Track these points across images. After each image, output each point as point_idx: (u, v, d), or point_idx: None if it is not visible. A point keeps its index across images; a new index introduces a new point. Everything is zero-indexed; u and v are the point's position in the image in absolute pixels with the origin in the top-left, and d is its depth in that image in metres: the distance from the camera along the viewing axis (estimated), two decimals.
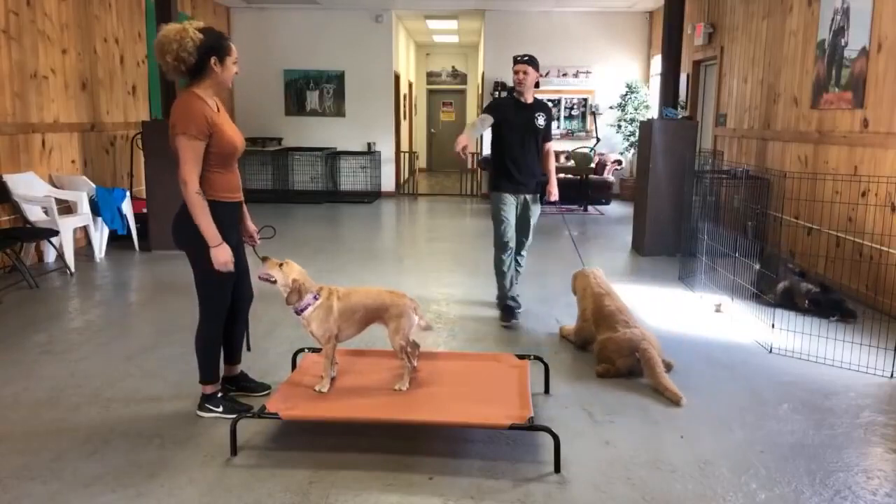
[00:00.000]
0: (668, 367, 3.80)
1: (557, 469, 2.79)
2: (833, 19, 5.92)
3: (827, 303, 4.89)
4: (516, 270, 5.02)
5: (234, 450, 2.91)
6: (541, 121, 4.86)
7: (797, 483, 2.73)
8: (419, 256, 7.11)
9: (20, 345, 4.28)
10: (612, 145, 11.82)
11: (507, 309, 4.86)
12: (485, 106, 5.06)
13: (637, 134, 9.18)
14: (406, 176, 13.65)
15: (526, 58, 4.78)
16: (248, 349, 3.62)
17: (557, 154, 11.87)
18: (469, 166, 4.43)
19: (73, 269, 6.12)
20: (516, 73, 4.76)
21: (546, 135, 4.97)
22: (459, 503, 2.57)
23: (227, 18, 11.70)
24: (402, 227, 9.51)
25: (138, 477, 2.74)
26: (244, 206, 3.38)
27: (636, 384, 3.73)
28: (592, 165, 10.81)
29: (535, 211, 5.01)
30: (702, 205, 6.25)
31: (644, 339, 3.76)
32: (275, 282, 3.19)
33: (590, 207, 10.71)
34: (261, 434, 3.08)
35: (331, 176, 12.09)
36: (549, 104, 5.29)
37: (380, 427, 3.09)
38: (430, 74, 18.18)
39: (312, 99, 12.03)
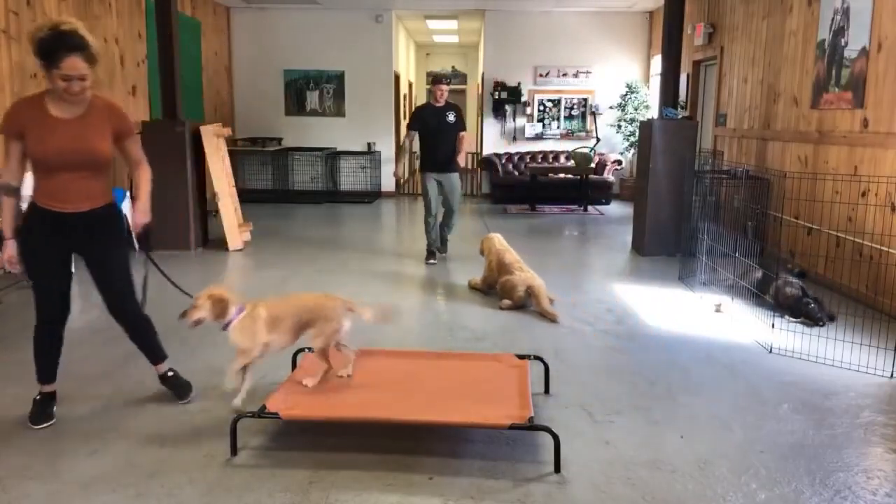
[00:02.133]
0: (551, 301, 5.13)
1: (557, 469, 2.79)
2: (833, 19, 5.92)
3: (794, 305, 4.88)
4: (445, 230, 6.92)
5: (234, 450, 2.91)
6: (451, 118, 6.66)
7: (797, 483, 2.73)
8: (419, 256, 7.10)
9: (20, 345, 4.28)
10: (612, 145, 11.82)
11: (430, 252, 6.84)
12: (409, 120, 6.94)
13: (637, 134, 9.18)
14: (406, 176, 13.64)
15: (446, 80, 6.74)
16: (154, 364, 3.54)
17: (558, 154, 11.90)
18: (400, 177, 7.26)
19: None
20: (440, 90, 6.63)
21: (457, 127, 6.72)
22: (459, 503, 2.58)
23: (227, 18, 11.70)
24: (403, 226, 9.51)
25: (138, 477, 2.74)
26: (136, 201, 3.47)
27: (632, 382, 3.73)
28: (592, 165, 10.81)
29: (456, 183, 6.80)
30: (702, 205, 6.25)
31: (533, 279, 5.18)
32: (203, 318, 3.12)
33: (590, 207, 10.71)
34: (261, 434, 3.08)
35: (331, 176, 12.09)
36: (456, 103, 7.04)
37: (380, 427, 3.09)
38: (430, 74, 18.18)
39: (312, 99, 12.02)
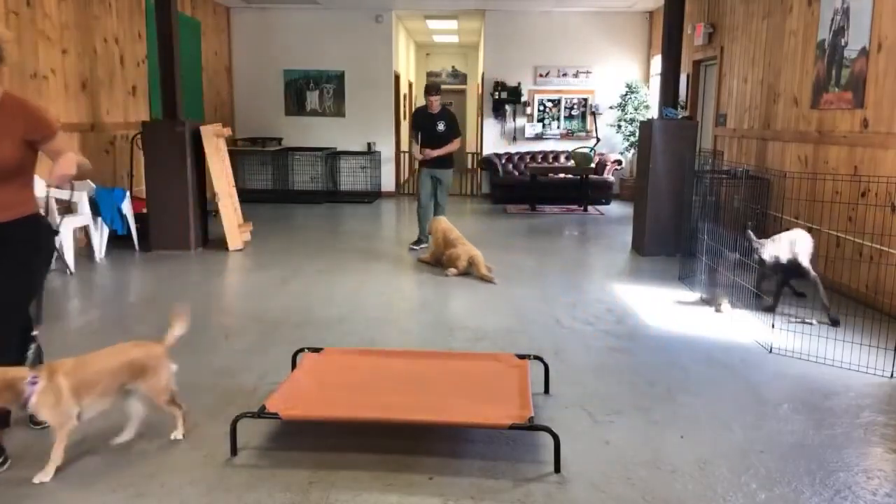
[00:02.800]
0: (489, 269, 6.13)
1: (557, 469, 2.80)
2: (833, 19, 5.92)
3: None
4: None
5: (234, 450, 2.91)
6: (441, 126, 7.33)
7: (797, 483, 2.73)
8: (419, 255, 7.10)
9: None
10: (612, 145, 11.82)
11: (418, 239, 7.54)
12: (412, 120, 7.78)
13: (637, 134, 9.18)
14: (406, 176, 13.65)
15: (436, 90, 7.31)
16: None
17: (558, 154, 11.90)
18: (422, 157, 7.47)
19: (73, 269, 6.12)
20: (430, 101, 7.28)
21: (448, 134, 7.36)
22: (459, 503, 2.58)
23: (227, 18, 11.70)
24: (403, 226, 9.50)
25: (138, 477, 2.74)
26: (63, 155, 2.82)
27: (632, 382, 3.73)
28: (592, 165, 10.82)
29: (444, 180, 7.48)
30: (702, 205, 6.25)
31: (474, 251, 6.23)
32: None
33: (590, 207, 10.71)
34: (261, 434, 3.08)
35: (331, 176, 12.09)
36: (451, 110, 7.65)
37: (380, 427, 3.09)
38: (430, 74, 18.17)
39: (312, 99, 12.02)
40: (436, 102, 7.30)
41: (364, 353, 3.77)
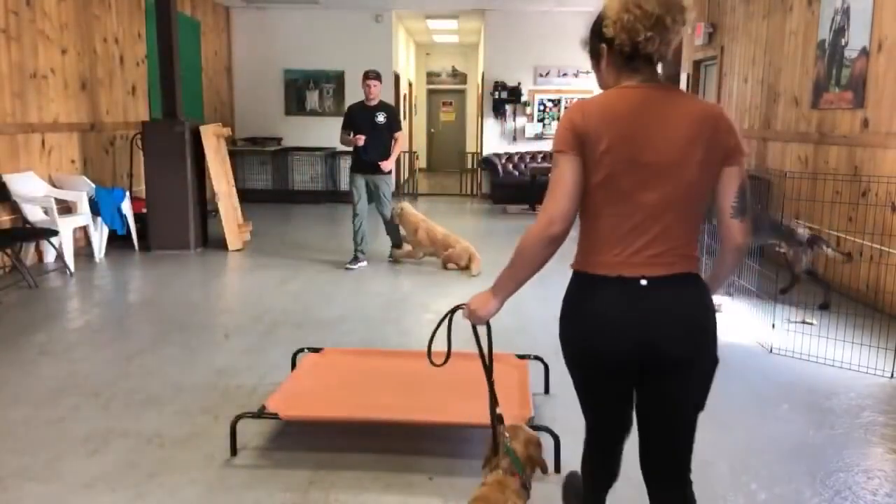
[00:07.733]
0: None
1: (557, 469, 2.79)
2: (833, 19, 5.92)
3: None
4: (395, 234, 6.85)
5: (234, 450, 2.91)
6: (380, 118, 6.44)
7: (797, 483, 2.73)
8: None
9: (20, 345, 4.28)
10: None
11: (354, 257, 6.54)
12: (344, 119, 6.65)
13: None
14: (406, 176, 13.64)
15: (374, 73, 6.44)
16: None
17: None
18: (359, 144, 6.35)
19: (72, 269, 6.12)
20: (368, 86, 6.39)
21: (391, 127, 6.52)
22: (459, 503, 2.57)
23: (227, 18, 11.69)
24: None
25: (138, 477, 2.73)
26: None
27: None
28: None
29: (382, 187, 6.58)
30: None
31: (471, 248, 6.44)
32: None
33: None
34: (261, 434, 3.08)
35: (331, 176, 12.08)
36: (391, 103, 6.83)
37: (380, 427, 3.09)
38: (430, 74, 18.17)
39: (312, 99, 12.02)
40: (375, 90, 6.39)
41: (364, 353, 3.77)
